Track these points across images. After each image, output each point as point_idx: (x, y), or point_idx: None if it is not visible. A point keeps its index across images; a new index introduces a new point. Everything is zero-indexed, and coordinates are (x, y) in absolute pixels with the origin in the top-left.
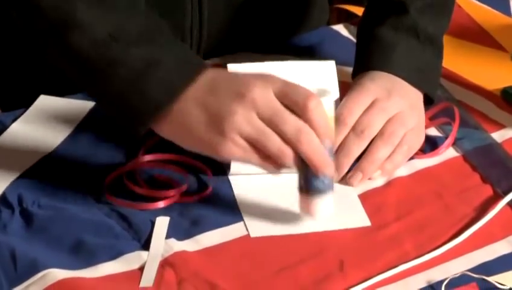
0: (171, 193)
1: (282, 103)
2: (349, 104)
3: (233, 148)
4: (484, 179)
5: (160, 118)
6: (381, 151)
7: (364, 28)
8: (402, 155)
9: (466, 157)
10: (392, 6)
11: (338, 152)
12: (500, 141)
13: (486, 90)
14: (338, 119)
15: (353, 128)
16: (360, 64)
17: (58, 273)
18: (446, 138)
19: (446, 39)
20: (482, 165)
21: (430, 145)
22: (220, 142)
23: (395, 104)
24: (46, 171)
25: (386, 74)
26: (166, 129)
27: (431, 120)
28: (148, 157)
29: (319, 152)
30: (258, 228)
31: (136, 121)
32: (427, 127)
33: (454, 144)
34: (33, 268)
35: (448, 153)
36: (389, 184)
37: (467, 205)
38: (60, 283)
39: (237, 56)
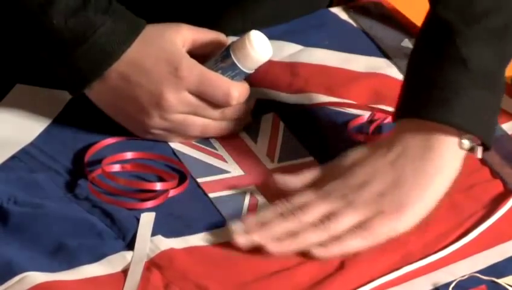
0: (159, 185)
1: (199, 98)
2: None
3: (152, 136)
4: (494, 174)
5: (94, 84)
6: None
7: (410, 60)
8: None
9: None
10: (437, 30)
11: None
12: (511, 133)
13: None
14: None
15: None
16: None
17: (36, 277)
18: None
19: None
20: (491, 159)
21: None
22: (139, 131)
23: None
24: (23, 165)
25: (415, 121)
26: (97, 97)
27: None
28: (130, 155)
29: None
30: None
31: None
32: None
33: None
34: (9, 271)
35: None
36: None
37: (475, 202)
38: (39, 287)
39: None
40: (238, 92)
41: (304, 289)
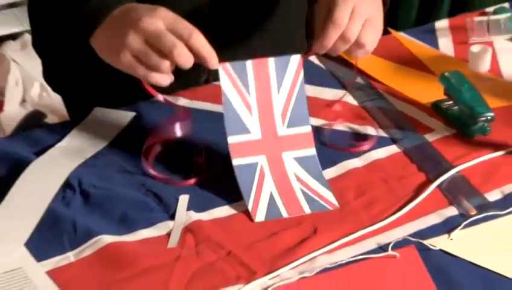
0: (192, 178)
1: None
2: (339, 13)
3: (124, 60)
4: (419, 169)
5: (94, 35)
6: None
7: None
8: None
9: (406, 152)
10: None
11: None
12: (431, 140)
13: (420, 103)
14: (333, 23)
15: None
16: None
17: (107, 239)
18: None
19: (390, 66)
20: (417, 159)
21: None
22: (115, 56)
23: (367, 8)
24: (100, 162)
25: None
26: (96, 45)
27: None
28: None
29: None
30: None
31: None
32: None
33: (397, 142)
34: (89, 235)
35: (391, 149)
36: (348, 174)
37: (406, 188)
38: (109, 245)
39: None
40: (199, 34)
41: (288, 247)
